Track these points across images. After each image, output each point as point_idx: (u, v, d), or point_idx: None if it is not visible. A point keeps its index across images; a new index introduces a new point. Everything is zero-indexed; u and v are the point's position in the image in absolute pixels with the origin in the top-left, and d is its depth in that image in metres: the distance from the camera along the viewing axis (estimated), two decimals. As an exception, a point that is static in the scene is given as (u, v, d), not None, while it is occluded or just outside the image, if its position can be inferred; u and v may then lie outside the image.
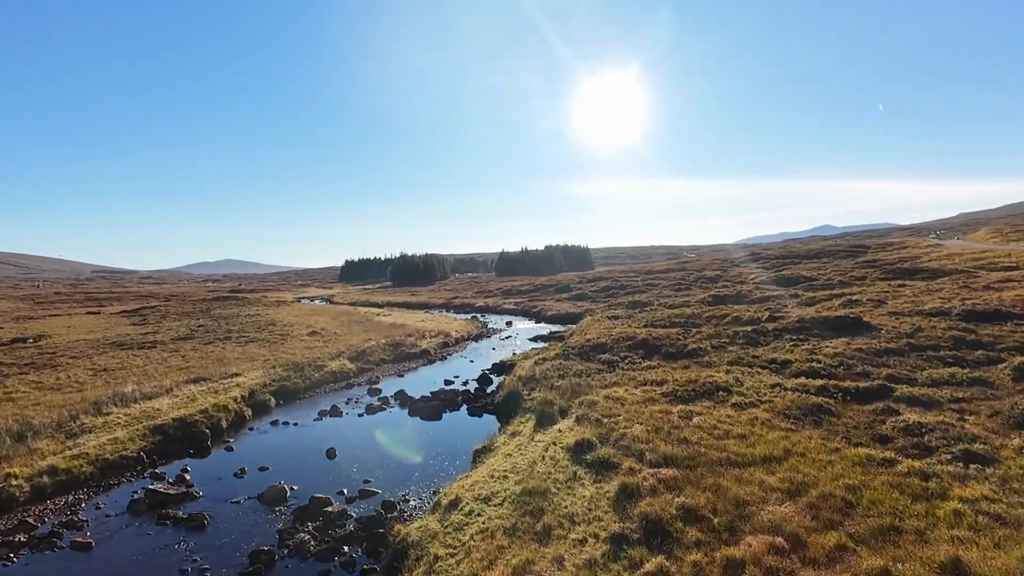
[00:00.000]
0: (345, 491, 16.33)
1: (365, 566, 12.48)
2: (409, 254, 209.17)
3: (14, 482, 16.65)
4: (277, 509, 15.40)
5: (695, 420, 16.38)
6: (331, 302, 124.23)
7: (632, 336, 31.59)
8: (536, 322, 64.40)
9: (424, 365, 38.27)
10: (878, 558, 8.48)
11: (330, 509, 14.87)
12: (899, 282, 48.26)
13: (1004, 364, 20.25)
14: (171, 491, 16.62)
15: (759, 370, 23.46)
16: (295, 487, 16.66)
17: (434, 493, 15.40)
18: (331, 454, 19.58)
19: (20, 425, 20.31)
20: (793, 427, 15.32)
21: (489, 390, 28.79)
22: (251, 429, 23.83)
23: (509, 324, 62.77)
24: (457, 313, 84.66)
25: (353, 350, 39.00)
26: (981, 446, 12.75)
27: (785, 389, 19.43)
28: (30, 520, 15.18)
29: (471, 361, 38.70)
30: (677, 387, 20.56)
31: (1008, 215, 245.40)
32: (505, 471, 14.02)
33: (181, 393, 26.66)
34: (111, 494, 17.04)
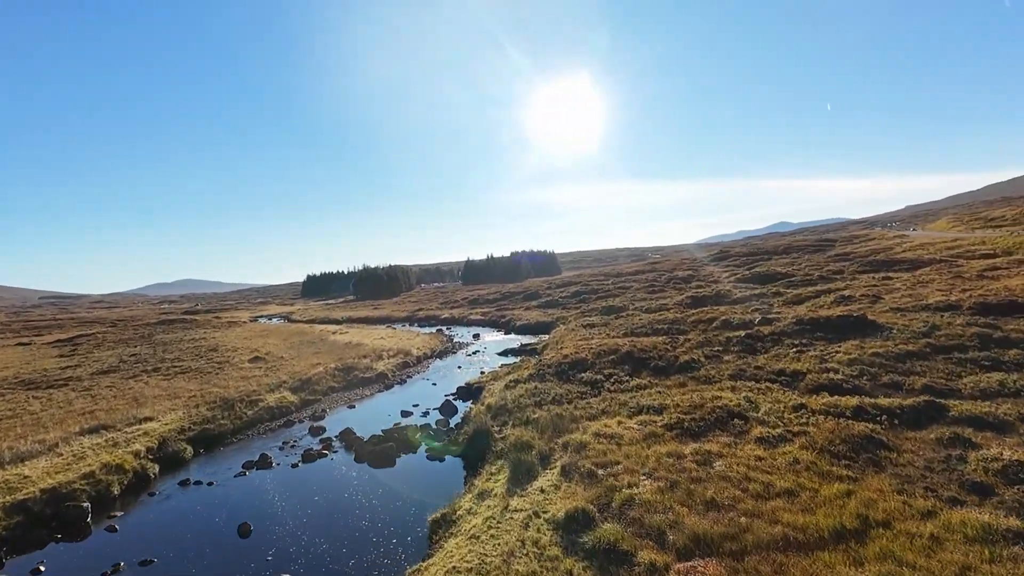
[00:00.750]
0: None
1: None
2: (372, 266, 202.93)
3: None
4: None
5: (717, 466, 12.53)
6: (289, 320, 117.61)
7: (615, 348, 27.80)
8: (505, 333, 60.28)
9: (380, 391, 33.62)
10: None
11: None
12: (883, 275, 46.20)
13: (1057, 366, 17.20)
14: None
15: (768, 385, 19.91)
16: (183, 593, 12.04)
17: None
18: (244, 531, 14.94)
19: None
20: (850, 472, 11.61)
21: (454, 422, 24.45)
22: (152, 494, 18.87)
23: (476, 337, 58.46)
24: (421, 327, 79.84)
25: (298, 378, 34.02)
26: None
27: (813, 412, 15.82)
28: None
29: (434, 384, 34.23)
30: (681, 415, 16.73)
31: (954, 205, 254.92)
32: (470, 571, 9.78)
33: (68, 449, 21.40)
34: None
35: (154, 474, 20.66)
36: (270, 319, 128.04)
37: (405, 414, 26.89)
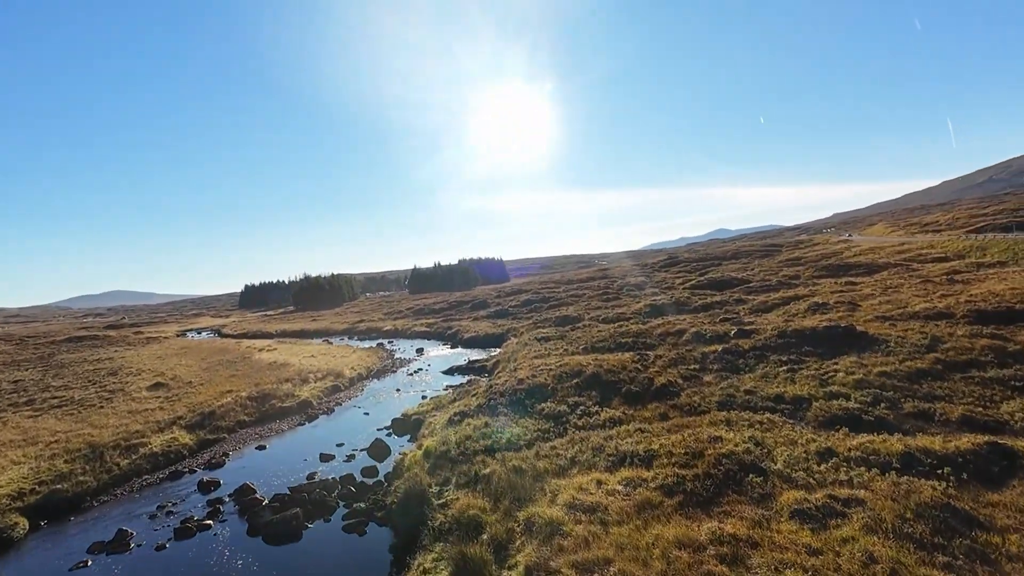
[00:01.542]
0: None
1: None
2: (313, 275, 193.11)
3: None
4: None
5: (756, 565, 8.49)
6: (220, 334, 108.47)
7: (577, 369, 23.72)
8: (452, 347, 55.46)
9: (302, 424, 28.21)
10: None
11: None
12: (844, 279, 44.65)
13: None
14: None
15: (769, 417, 16.27)
16: None
17: None
18: None
19: None
20: (957, 579, 7.82)
21: (384, 469, 19.58)
22: (-62, 606, 13.16)
23: (420, 352, 53.35)
24: (361, 340, 73.80)
25: (199, 411, 28.12)
26: None
27: (848, 462, 12.15)
28: None
29: (366, 414, 29.11)
30: (678, 468, 12.72)
31: (878, 212, 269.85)
32: None
33: None
34: None
35: (-45, 569, 14.82)
36: (200, 333, 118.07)
37: (325, 458, 21.76)
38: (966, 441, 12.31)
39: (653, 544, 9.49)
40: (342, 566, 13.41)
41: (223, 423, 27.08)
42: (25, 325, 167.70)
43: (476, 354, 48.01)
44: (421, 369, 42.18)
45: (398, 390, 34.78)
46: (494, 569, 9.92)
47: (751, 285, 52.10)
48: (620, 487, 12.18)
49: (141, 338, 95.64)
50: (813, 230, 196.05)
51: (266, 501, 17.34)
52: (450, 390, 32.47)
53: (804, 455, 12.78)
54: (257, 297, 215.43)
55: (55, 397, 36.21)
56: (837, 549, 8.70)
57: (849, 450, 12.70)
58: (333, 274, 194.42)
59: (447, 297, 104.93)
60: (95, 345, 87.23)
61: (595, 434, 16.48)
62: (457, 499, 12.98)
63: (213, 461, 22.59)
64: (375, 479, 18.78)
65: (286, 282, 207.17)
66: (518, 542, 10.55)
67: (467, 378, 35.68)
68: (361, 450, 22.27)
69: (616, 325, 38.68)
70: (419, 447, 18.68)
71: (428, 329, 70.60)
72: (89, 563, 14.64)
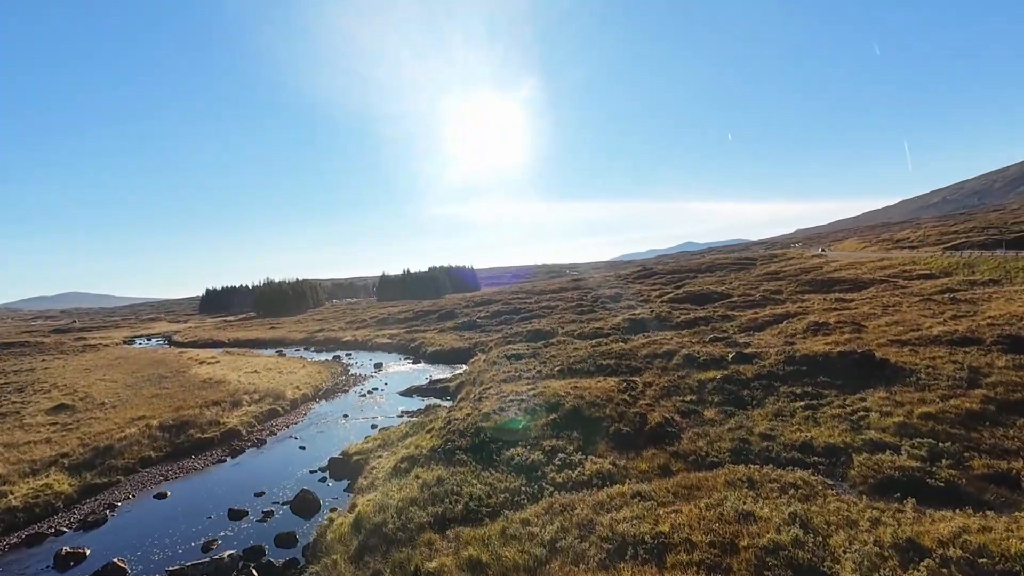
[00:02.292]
0: None
1: None
2: (277, 280, 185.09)
3: None
4: None
5: None
6: (170, 342, 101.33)
7: (554, 400, 19.76)
8: (414, 362, 50.89)
9: (222, 460, 23.44)
10: None
11: None
12: (834, 296, 42.04)
13: None
14: None
15: (801, 475, 12.62)
16: None
17: None
18: None
19: None
20: None
21: (306, 536, 15.14)
22: None
23: (379, 367, 48.62)
24: (318, 352, 68.52)
25: (92, 446, 23.05)
26: None
27: (949, 565, 8.48)
28: None
29: (302, 448, 24.49)
30: (706, 572, 8.85)
31: (840, 228, 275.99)
32: None
33: None
34: None
35: None
36: (149, 340, 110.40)
37: (235, 515, 17.16)
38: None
39: None
40: None
41: (121, 461, 22.10)
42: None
43: (440, 371, 43.68)
44: (376, 389, 37.59)
45: (346, 416, 30.19)
46: None
47: (733, 300, 49.26)
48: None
49: (79, 346, 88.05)
50: (780, 244, 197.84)
51: (135, 590, 12.75)
52: (406, 417, 28.18)
53: (877, 551, 9.06)
54: (218, 302, 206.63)
55: (-68, 421, 30.40)
56: None
57: (941, 544, 9.05)
58: (298, 279, 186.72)
59: (414, 306, 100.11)
60: (23, 353, 79.46)
61: (581, 499, 12.52)
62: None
63: (91, 518, 17.71)
64: (290, 553, 14.33)
65: (250, 287, 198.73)
66: None
67: (426, 402, 31.35)
68: (284, 503, 17.75)
69: (594, 343, 34.96)
70: (351, 509, 14.37)
71: (391, 341, 65.78)
72: None
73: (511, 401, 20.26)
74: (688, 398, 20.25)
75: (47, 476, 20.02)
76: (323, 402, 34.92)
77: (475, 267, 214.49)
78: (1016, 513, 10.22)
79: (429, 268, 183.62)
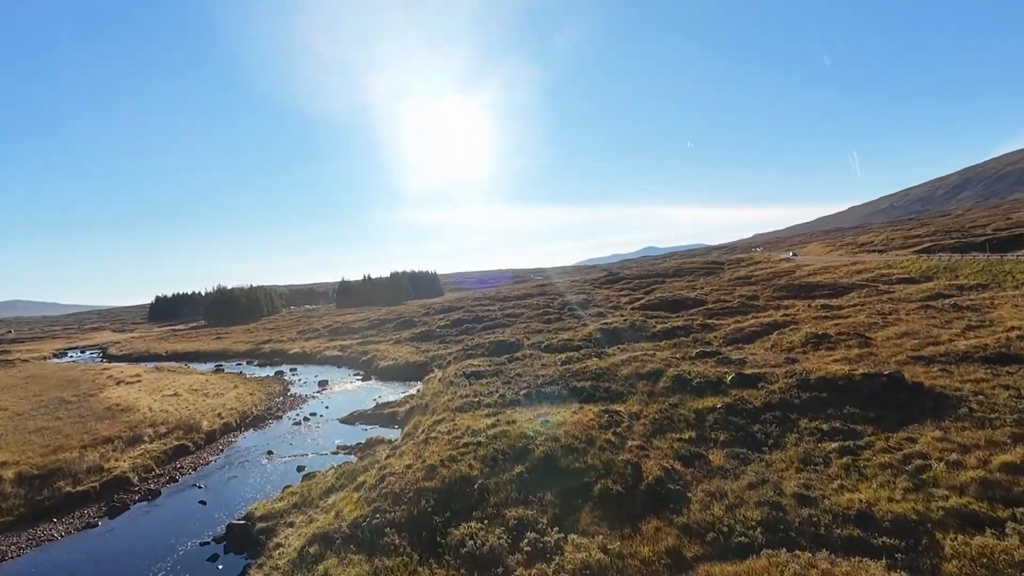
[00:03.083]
0: None
1: None
2: (229, 287, 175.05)
3: None
4: None
5: None
6: (104, 354, 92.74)
7: (521, 446, 15.41)
8: (364, 378, 45.73)
9: (93, 522, 18.14)
10: None
11: None
12: (819, 302, 39.22)
13: None
14: None
15: (869, 565, 8.67)
16: None
17: None
18: None
19: None
20: None
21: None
22: None
23: (323, 385, 43.29)
24: (262, 366, 62.43)
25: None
26: None
27: None
28: None
29: (203, 503, 19.39)
30: None
31: (796, 234, 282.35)
32: None
33: None
34: None
35: None
36: (82, 353, 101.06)
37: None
38: None
39: None
40: None
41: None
42: None
43: (391, 390, 38.81)
44: (315, 414, 32.45)
45: (270, 453, 25.07)
46: None
47: (709, 307, 46.14)
48: None
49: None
50: (740, 249, 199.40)
51: None
52: (341, 454, 23.37)
53: None
54: (168, 310, 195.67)
55: None
56: None
57: None
58: (251, 286, 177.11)
59: (370, 314, 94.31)
60: (-80, 371, 70.29)
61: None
62: None
63: None
64: None
65: (203, 293, 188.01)
66: None
67: (368, 433, 26.50)
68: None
69: (564, 357, 30.87)
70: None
71: (341, 353, 60.21)
72: None
73: (466, 446, 15.80)
74: (686, 435, 16.26)
75: None
76: (249, 432, 29.64)
77: (440, 272, 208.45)
78: None
79: (392, 273, 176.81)
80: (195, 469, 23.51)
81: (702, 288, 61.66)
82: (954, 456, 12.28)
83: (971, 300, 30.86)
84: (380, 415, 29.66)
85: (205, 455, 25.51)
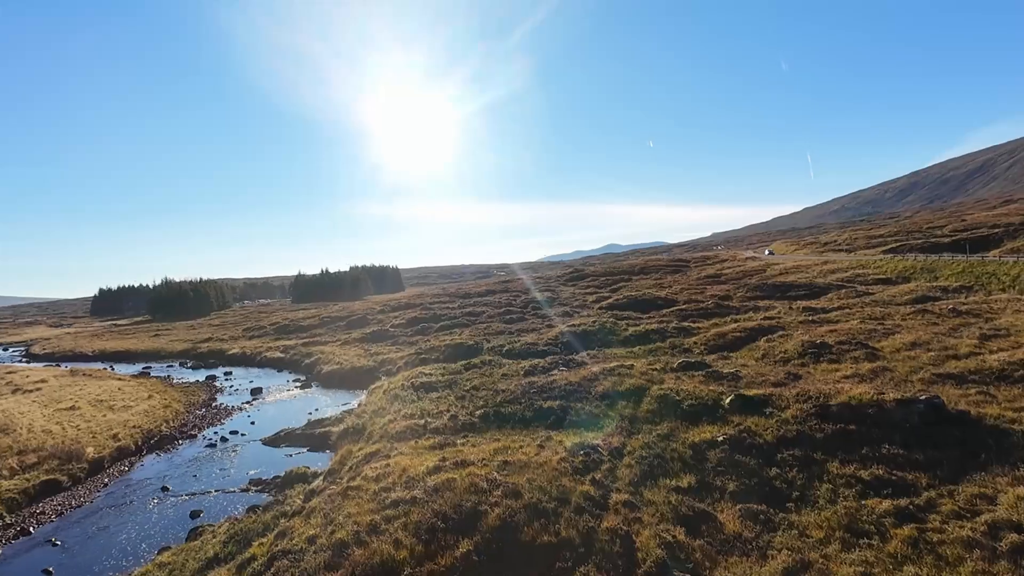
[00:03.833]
0: None
1: None
2: (177, 280, 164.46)
3: None
4: None
5: None
6: (28, 353, 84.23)
7: (472, 505, 11.39)
8: (304, 385, 40.76)
9: None
10: None
11: None
12: (801, 304, 36.59)
13: None
14: None
15: None
16: None
17: None
18: None
19: None
20: None
21: None
22: None
23: (256, 394, 38.19)
24: (196, 368, 56.49)
25: None
26: None
27: None
28: None
29: (45, 573, 14.65)
30: None
31: (754, 233, 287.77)
32: None
33: None
34: None
35: None
36: (4, 351, 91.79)
37: None
38: None
39: None
40: None
41: None
42: None
43: (330, 400, 34.22)
44: (237, 433, 27.59)
45: (165, 489, 20.24)
46: None
47: (682, 308, 43.16)
48: None
49: None
50: (701, 247, 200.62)
51: None
52: (252, 491, 18.84)
53: None
54: (111, 303, 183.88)
55: None
56: None
57: None
58: (200, 279, 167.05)
59: (320, 311, 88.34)
60: None
61: None
62: None
63: None
64: None
65: (150, 286, 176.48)
66: None
67: (292, 461, 21.96)
68: None
69: (529, 366, 27.01)
70: None
71: (283, 355, 54.81)
72: None
73: (395, 504, 11.65)
74: (685, 482, 12.59)
75: None
76: (149, 458, 24.64)
77: (401, 267, 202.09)
78: None
79: (351, 267, 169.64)
80: (61, 515, 18.53)
81: (671, 287, 58.96)
82: (1051, 526, 8.95)
83: (966, 304, 28.59)
84: (311, 435, 25.08)
85: (82, 493, 20.46)
